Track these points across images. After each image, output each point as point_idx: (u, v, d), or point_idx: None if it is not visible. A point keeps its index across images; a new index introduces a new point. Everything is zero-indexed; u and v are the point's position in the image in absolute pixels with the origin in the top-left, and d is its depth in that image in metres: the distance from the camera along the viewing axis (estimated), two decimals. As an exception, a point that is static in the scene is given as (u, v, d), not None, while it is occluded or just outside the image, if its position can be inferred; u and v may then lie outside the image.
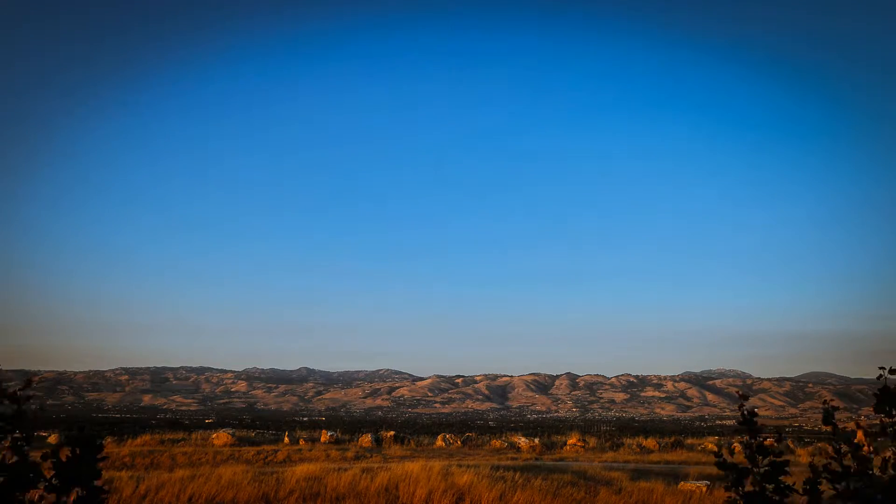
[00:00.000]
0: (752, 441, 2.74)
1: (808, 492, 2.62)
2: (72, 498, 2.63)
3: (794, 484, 2.67)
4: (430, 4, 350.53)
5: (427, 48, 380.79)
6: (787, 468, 2.69)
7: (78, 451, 2.67)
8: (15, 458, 2.60)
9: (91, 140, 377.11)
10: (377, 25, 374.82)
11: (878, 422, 2.81)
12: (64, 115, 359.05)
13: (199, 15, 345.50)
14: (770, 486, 2.62)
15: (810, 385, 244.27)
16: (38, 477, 2.63)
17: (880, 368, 2.85)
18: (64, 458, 2.68)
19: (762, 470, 2.68)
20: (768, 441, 2.76)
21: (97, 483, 2.73)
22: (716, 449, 2.84)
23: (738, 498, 2.67)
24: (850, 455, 2.71)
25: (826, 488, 2.67)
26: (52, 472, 2.67)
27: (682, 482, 12.34)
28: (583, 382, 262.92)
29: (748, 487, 2.68)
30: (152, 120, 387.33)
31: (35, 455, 2.75)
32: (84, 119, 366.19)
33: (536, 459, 19.95)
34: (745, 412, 2.86)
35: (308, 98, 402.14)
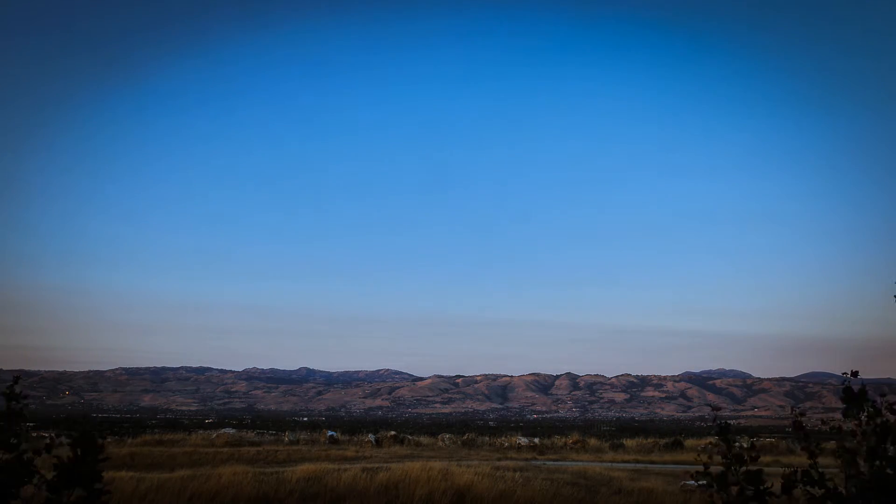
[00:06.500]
0: (729, 450, 2.80)
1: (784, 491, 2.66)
2: (71, 498, 2.65)
3: (771, 486, 2.72)
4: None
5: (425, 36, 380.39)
6: (762, 476, 2.75)
7: (79, 453, 2.68)
8: (8, 456, 2.62)
9: (91, 140, 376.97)
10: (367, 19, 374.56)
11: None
12: (61, 117, 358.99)
13: (203, 7, 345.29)
14: (750, 492, 2.67)
15: (810, 385, 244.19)
16: (32, 474, 2.66)
17: (843, 373, 2.88)
18: (65, 459, 2.70)
19: (739, 478, 2.74)
20: (747, 446, 2.82)
21: (98, 485, 2.74)
22: (701, 454, 2.93)
23: (719, 501, 2.73)
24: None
25: (800, 493, 2.70)
26: (54, 472, 2.69)
27: (683, 482, 12.33)
28: (583, 382, 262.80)
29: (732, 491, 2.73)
30: (155, 117, 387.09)
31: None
32: (83, 120, 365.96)
33: (536, 459, 19.95)
34: (720, 423, 2.91)
35: (309, 96, 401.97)
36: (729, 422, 2.94)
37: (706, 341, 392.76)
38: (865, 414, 2.73)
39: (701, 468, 2.93)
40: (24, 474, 2.61)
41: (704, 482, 2.76)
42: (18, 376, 2.89)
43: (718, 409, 3.08)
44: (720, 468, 2.75)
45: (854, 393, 2.79)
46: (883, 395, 2.77)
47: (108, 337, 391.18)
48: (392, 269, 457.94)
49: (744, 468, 2.71)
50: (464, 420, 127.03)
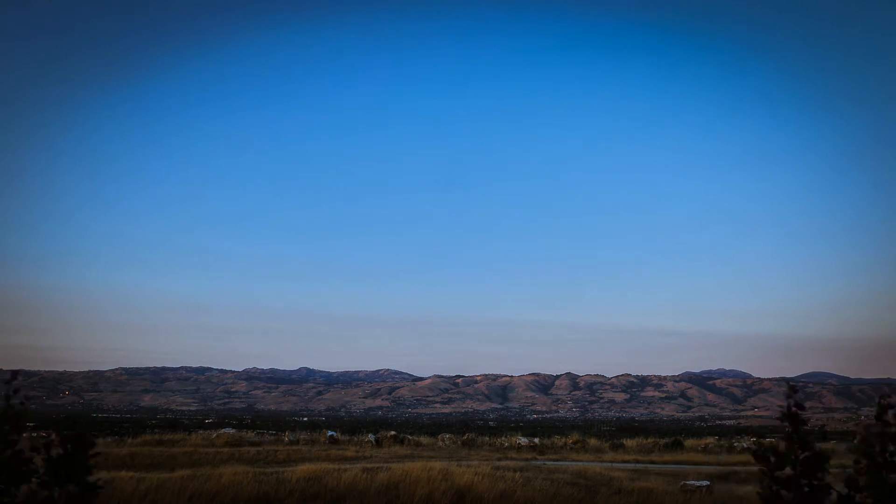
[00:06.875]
0: (796, 433, 2.71)
1: (845, 498, 2.56)
2: (64, 494, 2.62)
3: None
4: None
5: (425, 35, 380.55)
6: (826, 462, 2.65)
7: (69, 448, 2.65)
8: (7, 452, 2.59)
9: (92, 140, 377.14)
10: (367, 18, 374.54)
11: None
12: (62, 117, 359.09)
13: (204, 7, 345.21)
14: (807, 479, 2.59)
15: (810, 385, 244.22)
16: (30, 471, 2.63)
17: None
18: (55, 455, 2.66)
19: (801, 459, 2.65)
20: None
21: (90, 479, 2.71)
22: (737, 446, 2.80)
23: (775, 486, 2.62)
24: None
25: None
26: (44, 469, 2.66)
27: (683, 482, 12.34)
28: (583, 382, 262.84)
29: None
30: (155, 117, 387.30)
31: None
32: (83, 120, 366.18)
33: (536, 459, 19.96)
34: (793, 403, 2.81)
35: (310, 96, 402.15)
36: (800, 402, 2.82)
37: (706, 341, 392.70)
38: None
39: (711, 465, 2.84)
40: (21, 473, 2.58)
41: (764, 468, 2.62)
42: (17, 372, 2.83)
43: (796, 390, 2.93)
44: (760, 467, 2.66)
45: None
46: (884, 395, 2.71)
47: (108, 337, 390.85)
48: (392, 269, 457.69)
49: (805, 454, 2.63)
50: (464, 420, 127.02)
